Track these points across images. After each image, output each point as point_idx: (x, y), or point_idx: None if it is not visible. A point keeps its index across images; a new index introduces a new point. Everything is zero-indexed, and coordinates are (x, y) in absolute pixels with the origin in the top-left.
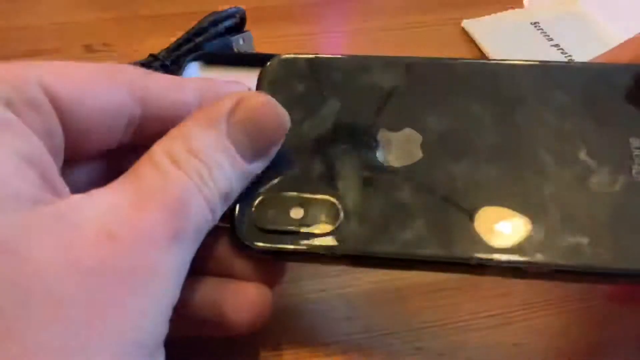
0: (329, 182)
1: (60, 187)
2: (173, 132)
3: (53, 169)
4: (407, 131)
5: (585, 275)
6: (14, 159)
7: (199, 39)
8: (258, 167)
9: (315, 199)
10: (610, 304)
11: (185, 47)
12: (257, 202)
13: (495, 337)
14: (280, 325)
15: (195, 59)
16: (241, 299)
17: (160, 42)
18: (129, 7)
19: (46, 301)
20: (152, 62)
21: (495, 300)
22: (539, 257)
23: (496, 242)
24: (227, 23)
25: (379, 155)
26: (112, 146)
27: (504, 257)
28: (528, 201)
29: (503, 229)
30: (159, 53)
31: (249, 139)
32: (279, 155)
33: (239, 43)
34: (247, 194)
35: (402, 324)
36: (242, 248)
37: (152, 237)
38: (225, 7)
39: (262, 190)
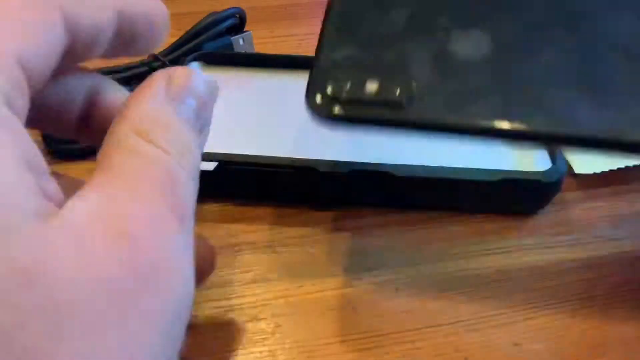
0: (404, 63)
1: (53, 189)
2: (129, 114)
3: (45, 167)
4: (478, 28)
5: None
6: (16, 165)
7: (199, 39)
8: (205, 136)
9: (390, 74)
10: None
11: (185, 47)
12: (333, 74)
13: (495, 337)
14: (280, 325)
15: (195, 59)
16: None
17: None
18: None
19: (78, 328)
20: (152, 62)
21: (495, 300)
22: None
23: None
24: (227, 23)
25: (452, 47)
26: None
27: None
28: (590, 78)
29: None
30: (158, 53)
31: (192, 109)
32: (359, 40)
33: (239, 43)
34: (324, 67)
35: (402, 324)
36: (318, 115)
37: (162, 226)
38: (225, 7)
39: (339, 63)
